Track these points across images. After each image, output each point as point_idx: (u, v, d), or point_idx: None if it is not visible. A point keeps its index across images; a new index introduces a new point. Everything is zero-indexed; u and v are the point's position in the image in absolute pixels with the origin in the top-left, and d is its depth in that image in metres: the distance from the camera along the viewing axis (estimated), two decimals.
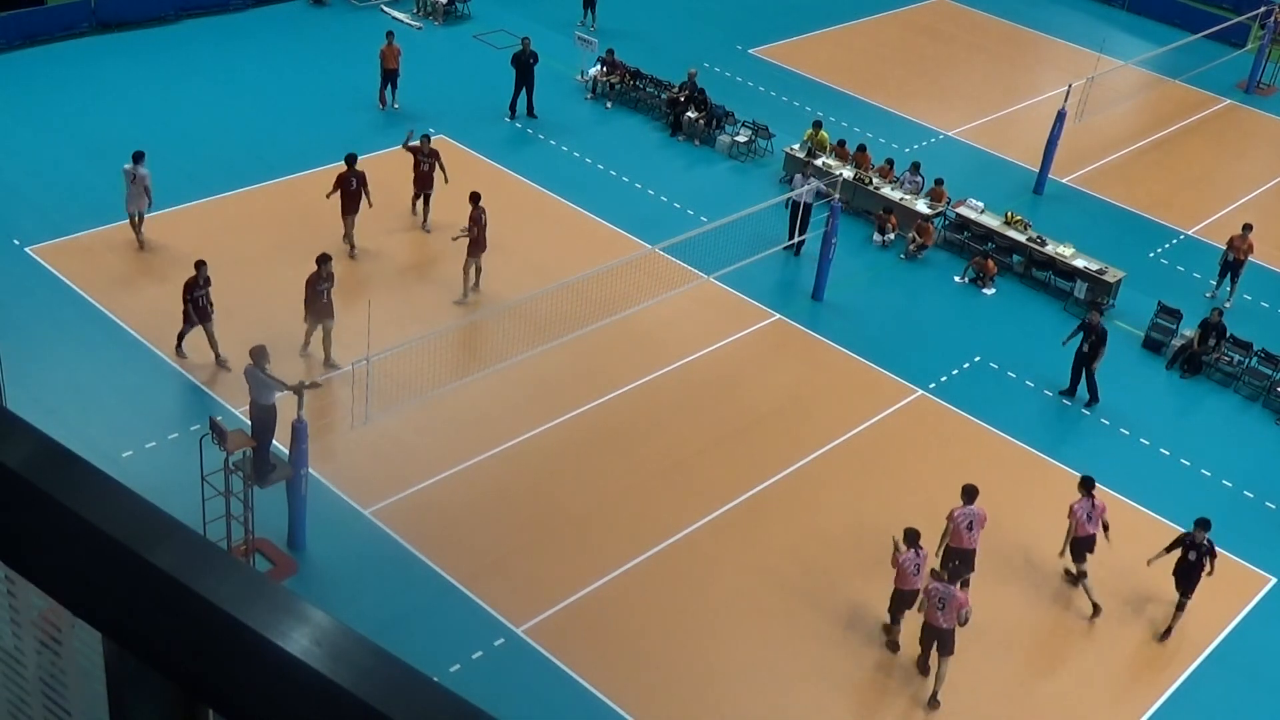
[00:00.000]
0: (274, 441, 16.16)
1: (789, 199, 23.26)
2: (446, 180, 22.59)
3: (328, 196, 21.54)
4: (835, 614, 16.42)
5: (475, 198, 20.85)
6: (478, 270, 21.13)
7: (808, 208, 23.01)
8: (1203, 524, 16.29)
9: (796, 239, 23.18)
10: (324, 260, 18.87)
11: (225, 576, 2.29)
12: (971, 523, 15.90)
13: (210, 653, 2.25)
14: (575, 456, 18.40)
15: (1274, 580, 17.84)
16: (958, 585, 15.12)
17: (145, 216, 21.51)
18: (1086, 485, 16.63)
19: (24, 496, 2.41)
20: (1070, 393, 20.81)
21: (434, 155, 22.59)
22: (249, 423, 16.33)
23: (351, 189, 21.45)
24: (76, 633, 2.52)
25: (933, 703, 15.07)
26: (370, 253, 22.18)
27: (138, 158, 20.99)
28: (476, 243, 20.76)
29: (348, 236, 21.92)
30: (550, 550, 16.86)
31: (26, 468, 2.45)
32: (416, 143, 22.80)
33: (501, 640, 15.41)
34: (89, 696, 2.59)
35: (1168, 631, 16.53)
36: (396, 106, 27.11)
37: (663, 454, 18.66)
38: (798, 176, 23.71)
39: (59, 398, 18.10)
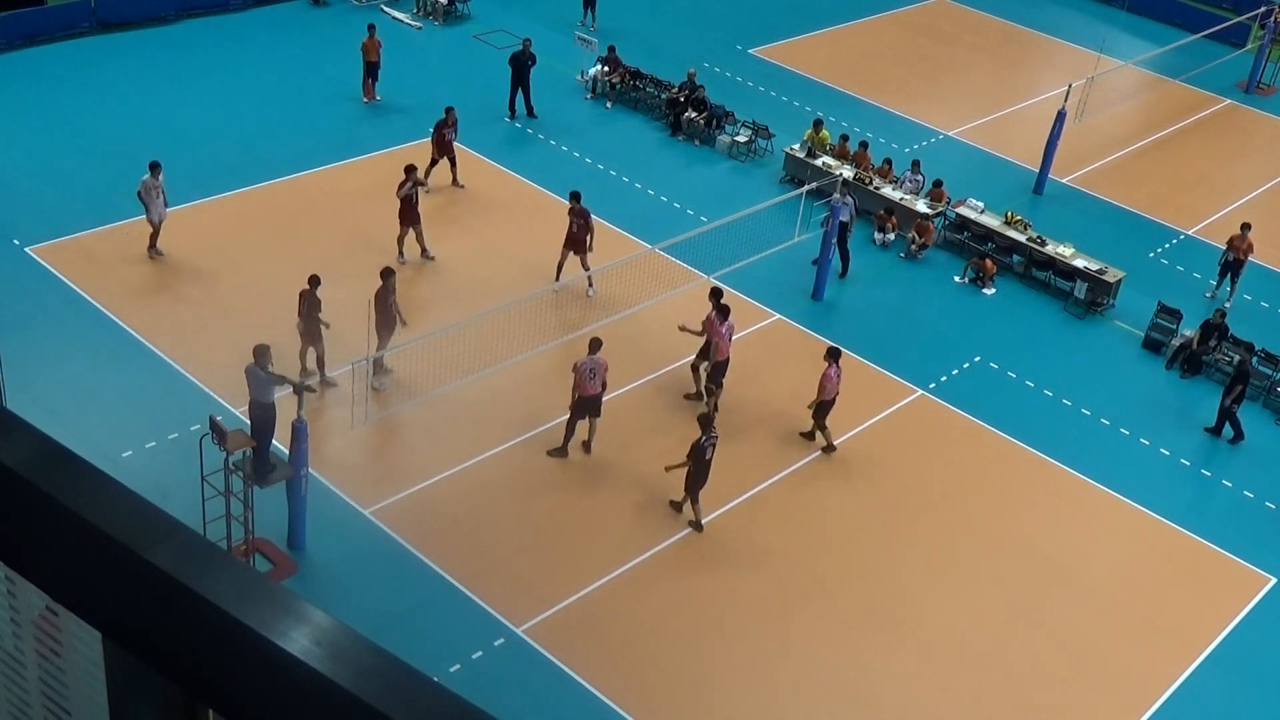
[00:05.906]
0: (274, 441, 16.16)
1: (826, 217, 22.32)
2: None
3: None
4: (834, 614, 16.43)
5: (575, 196, 21.56)
6: (584, 266, 21.73)
7: (844, 226, 22.63)
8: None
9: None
10: (390, 274, 18.73)
11: (225, 576, 2.29)
12: (594, 370, 17.97)
13: (210, 653, 2.25)
14: (575, 456, 18.39)
15: (1274, 580, 17.84)
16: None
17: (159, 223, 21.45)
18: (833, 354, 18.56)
19: (24, 496, 2.41)
20: (1216, 431, 20.50)
21: (454, 124, 24.31)
22: (249, 423, 16.32)
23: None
24: (76, 633, 2.52)
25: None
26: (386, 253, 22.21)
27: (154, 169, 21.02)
28: (577, 240, 21.48)
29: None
30: (550, 550, 16.86)
31: (26, 468, 2.45)
32: (443, 117, 24.23)
33: (501, 640, 15.41)
34: (89, 696, 2.59)
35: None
36: (378, 98, 27.19)
37: (663, 454, 18.64)
38: (835, 195, 22.44)
39: (59, 398, 18.09)
